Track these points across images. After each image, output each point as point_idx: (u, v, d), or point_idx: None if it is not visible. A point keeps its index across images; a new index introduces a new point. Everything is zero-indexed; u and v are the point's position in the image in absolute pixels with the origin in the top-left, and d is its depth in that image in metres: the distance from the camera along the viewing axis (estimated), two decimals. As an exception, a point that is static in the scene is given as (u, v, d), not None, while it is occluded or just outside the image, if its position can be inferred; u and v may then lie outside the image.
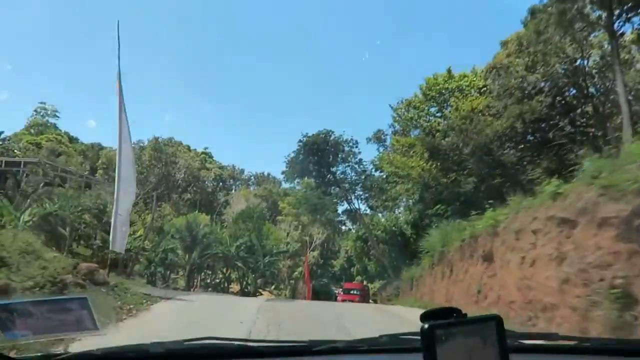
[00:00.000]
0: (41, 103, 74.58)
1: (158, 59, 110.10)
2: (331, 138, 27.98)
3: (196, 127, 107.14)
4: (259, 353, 1.81)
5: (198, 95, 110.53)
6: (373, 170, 28.64)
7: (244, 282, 32.00)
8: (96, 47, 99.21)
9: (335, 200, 28.33)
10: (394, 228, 33.00)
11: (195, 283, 32.44)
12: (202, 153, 73.20)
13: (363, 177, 29.10)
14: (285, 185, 67.27)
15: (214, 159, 74.74)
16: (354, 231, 34.92)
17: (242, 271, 31.46)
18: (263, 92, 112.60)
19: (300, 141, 27.58)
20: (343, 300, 29.57)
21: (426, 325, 1.10)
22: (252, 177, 75.20)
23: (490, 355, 1.14)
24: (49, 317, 1.53)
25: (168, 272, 30.21)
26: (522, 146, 20.48)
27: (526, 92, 19.28)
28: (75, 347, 2.49)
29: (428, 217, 25.86)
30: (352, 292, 32.84)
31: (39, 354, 1.74)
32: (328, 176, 28.43)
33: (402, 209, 35.47)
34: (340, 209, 29.79)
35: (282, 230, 51.32)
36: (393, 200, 29.61)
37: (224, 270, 31.63)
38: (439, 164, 22.47)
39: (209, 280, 34.43)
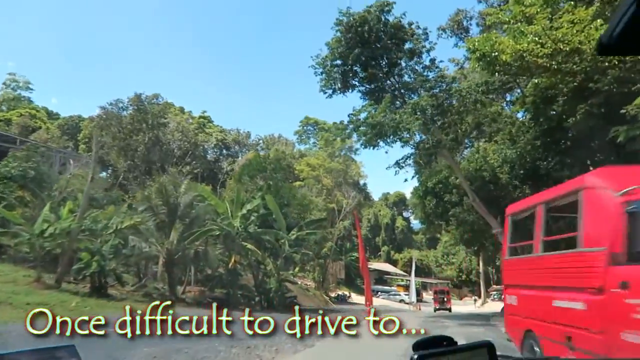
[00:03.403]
0: (10, 74, 63.96)
1: (151, 12, 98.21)
2: (389, 17, 15.73)
3: (192, 89, 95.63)
4: None
5: (192, 52, 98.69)
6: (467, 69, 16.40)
7: (260, 273, 20.48)
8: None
9: (411, 117, 15.69)
10: (483, 172, 21.62)
11: (184, 279, 20.98)
12: (200, 117, 61.96)
13: (443, 84, 16.86)
14: (301, 147, 56.10)
15: (214, 123, 63.49)
16: (418, 182, 23.20)
17: (255, 256, 19.89)
18: (264, 38, 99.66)
19: (338, 23, 15.40)
20: None
21: (415, 356, 1.08)
22: (261, 141, 63.70)
23: None
24: None
25: (138, 269, 18.82)
26: None
27: None
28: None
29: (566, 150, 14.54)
30: None
31: None
32: (388, 81, 16.23)
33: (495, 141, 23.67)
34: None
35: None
36: (495, 122, 17.58)
37: (226, 256, 20.02)
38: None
39: (209, 272, 23.00)
